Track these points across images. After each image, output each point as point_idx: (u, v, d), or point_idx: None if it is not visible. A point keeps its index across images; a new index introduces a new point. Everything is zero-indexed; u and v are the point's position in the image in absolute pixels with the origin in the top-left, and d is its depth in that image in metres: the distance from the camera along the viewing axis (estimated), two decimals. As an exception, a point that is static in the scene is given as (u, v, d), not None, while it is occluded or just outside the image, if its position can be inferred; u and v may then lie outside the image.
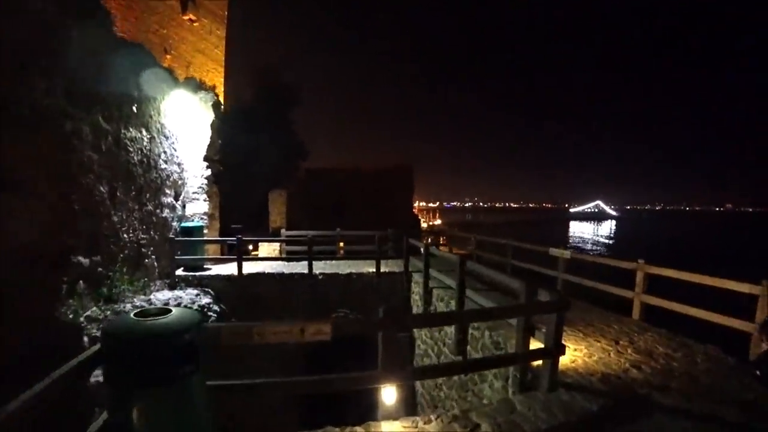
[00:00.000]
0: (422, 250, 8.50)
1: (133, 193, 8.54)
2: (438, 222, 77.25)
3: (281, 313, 9.70)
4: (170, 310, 2.22)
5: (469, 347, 6.06)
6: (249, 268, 10.50)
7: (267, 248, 15.38)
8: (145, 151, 8.96)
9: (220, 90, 12.39)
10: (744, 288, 5.13)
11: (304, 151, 27.37)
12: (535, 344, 4.23)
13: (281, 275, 10.23)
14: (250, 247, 15.62)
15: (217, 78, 12.21)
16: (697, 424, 3.38)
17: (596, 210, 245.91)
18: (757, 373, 4.20)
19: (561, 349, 3.89)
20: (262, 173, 21.98)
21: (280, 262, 11.78)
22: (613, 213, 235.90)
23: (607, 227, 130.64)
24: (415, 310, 9.51)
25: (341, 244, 15.12)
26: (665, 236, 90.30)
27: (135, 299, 7.87)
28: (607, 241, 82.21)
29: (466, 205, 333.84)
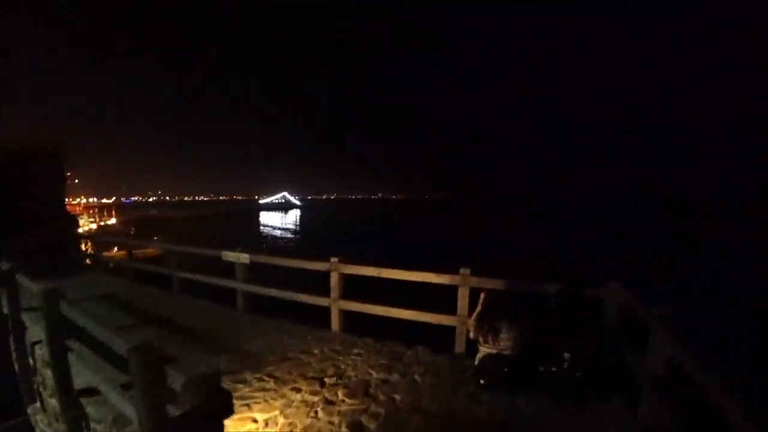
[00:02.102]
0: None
1: None
2: (113, 221, 63.84)
3: None
4: None
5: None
6: None
7: None
8: None
9: None
10: (444, 279, 4.52)
11: None
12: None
13: None
14: None
15: None
16: None
17: (283, 200, 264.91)
18: (482, 382, 3.67)
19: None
20: None
21: None
22: (298, 203, 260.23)
23: (293, 216, 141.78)
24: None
25: None
26: (341, 221, 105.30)
27: None
28: (294, 227, 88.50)
29: (150, 200, 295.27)
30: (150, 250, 38.99)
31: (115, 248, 40.16)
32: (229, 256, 6.36)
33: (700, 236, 51.65)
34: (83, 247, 31.31)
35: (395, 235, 64.95)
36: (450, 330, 4.68)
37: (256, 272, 6.56)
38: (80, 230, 43.18)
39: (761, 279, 23.60)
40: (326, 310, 5.52)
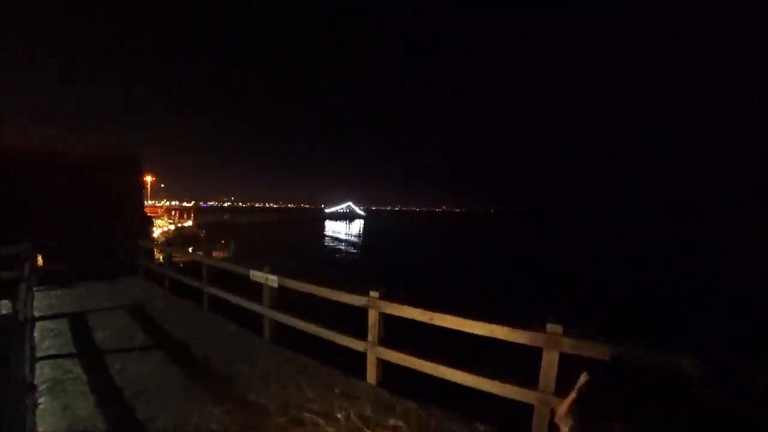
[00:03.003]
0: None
1: None
2: (189, 223, 67.91)
3: None
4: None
5: None
6: None
7: None
8: None
9: None
10: (522, 338, 3.16)
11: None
12: None
13: None
14: None
15: None
16: None
17: (348, 210, 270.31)
18: None
19: None
20: None
21: None
22: (362, 213, 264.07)
23: (357, 226, 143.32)
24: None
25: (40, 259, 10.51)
26: (403, 233, 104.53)
27: None
28: (357, 237, 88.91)
29: (225, 204, 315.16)
30: (218, 252, 40.50)
31: (190, 249, 42.30)
32: (257, 276, 5.42)
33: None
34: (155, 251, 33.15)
35: (458, 248, 62.85)
36: (525, 406, 3.30)
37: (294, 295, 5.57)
38: (157, 231, 46.15)
39: None
40: (362, 353, 4.35)
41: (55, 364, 4.88)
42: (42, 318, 6.77)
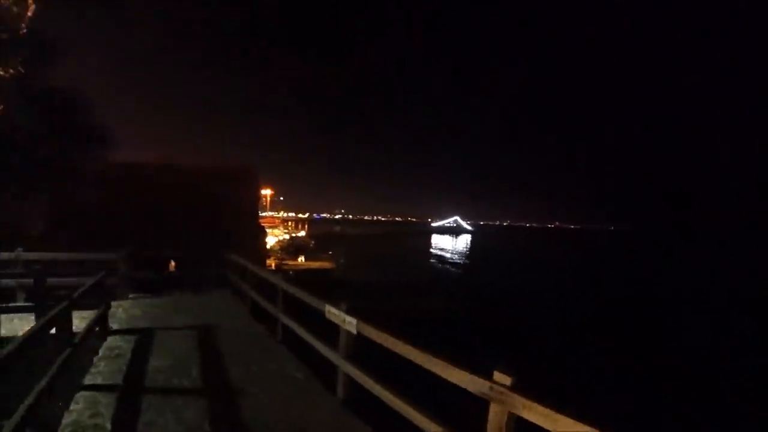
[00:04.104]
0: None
1: None
2: (302, 234, 72.08)
3: None
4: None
5: None
6: None
7: None
8: None
9: None
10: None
11: (104, 138, 19.29)
12: None
13: None
14: None
15: None
16: None
17: (455, 224, 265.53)
18: None
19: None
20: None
21: None
22: (469, 228, 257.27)
23: (464, 241, 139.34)
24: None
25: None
26: (513, 250, 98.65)
27: None
28: (463, 253, 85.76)
29: (336, 216, 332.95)
30: (324, 263, 41.42)
31: (301, 258, 44.12)
32: (333, 314, 3.97)
33: None
34: (269, 260, 34.78)
35: (573, 268, 56.43)
36: None
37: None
38: (273, 240, 49.07)
39: None
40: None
41: (91, 400, 4.07)
42: (117, 332, 6.21)
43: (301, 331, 4.94)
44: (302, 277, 32.99)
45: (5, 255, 7.75)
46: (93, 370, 4.82)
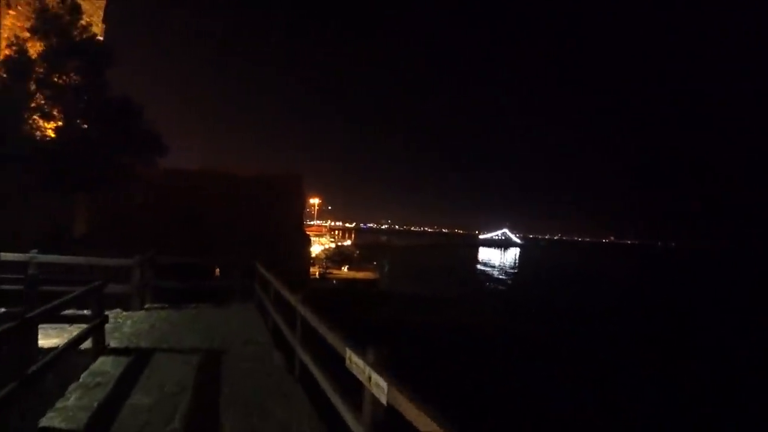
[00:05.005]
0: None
1: None
2: (348, 243, 71.71)
3: None
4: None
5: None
6: None
7: None
8: None
9: None
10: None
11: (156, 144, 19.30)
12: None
13: None
14: None
15: None
16: None
17: (503, 237, 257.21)
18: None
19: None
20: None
21: None
22: (518, 241, 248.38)
23: (512, 254, 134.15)
24: None
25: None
26: (565, 265, 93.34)
27: None
28: (511, 268, 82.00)
29: (383, 227, 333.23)
30: (368, 273, 40.37)
31: (345, 267, 43.39)
32: (356, 366, 2.63)
33: None
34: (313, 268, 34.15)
35: (627, 287, 51.66)
36: None
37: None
38: (319, 248, 48.74)
39: None
40: None
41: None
42: (112, 351, 5.24)
43: (320, 376, 3.64)
44: (344, 288, 32.07)
45: (18, 256, 7.12)
46: (59, 404, 3.79)
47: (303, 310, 4.26)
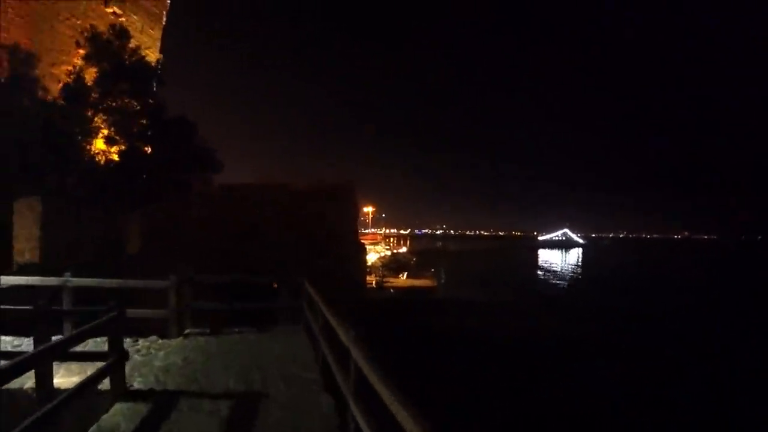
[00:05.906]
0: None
1: None
2: (404, 250, 70.71)
3: None
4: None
5: None
6: None
7: None
8: None
9: None
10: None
11: (212, 162, 19.39)
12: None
13: None
14: None
15: None
16: None
17: (564, 238, 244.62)
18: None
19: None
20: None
21: None
22: (580, 240, 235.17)
23: (575, 255, 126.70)
24: None
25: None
26: (631, 262, 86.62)
27: None
28: (573, 270, 76.95)
29: (438, 232, 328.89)
30: (426, 281, 39.02)
31: (402, 275, 42.31)
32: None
33: None
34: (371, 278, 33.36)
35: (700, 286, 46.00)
36: None
37: None
38: (375, 256, 47.98)
39: None
40: None
41: None
42: (132, 396, 4.37)
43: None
44: (402, 297, 30.89)
45: (52, 280, 6.62)
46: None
47: (356, 354, 3.08)
